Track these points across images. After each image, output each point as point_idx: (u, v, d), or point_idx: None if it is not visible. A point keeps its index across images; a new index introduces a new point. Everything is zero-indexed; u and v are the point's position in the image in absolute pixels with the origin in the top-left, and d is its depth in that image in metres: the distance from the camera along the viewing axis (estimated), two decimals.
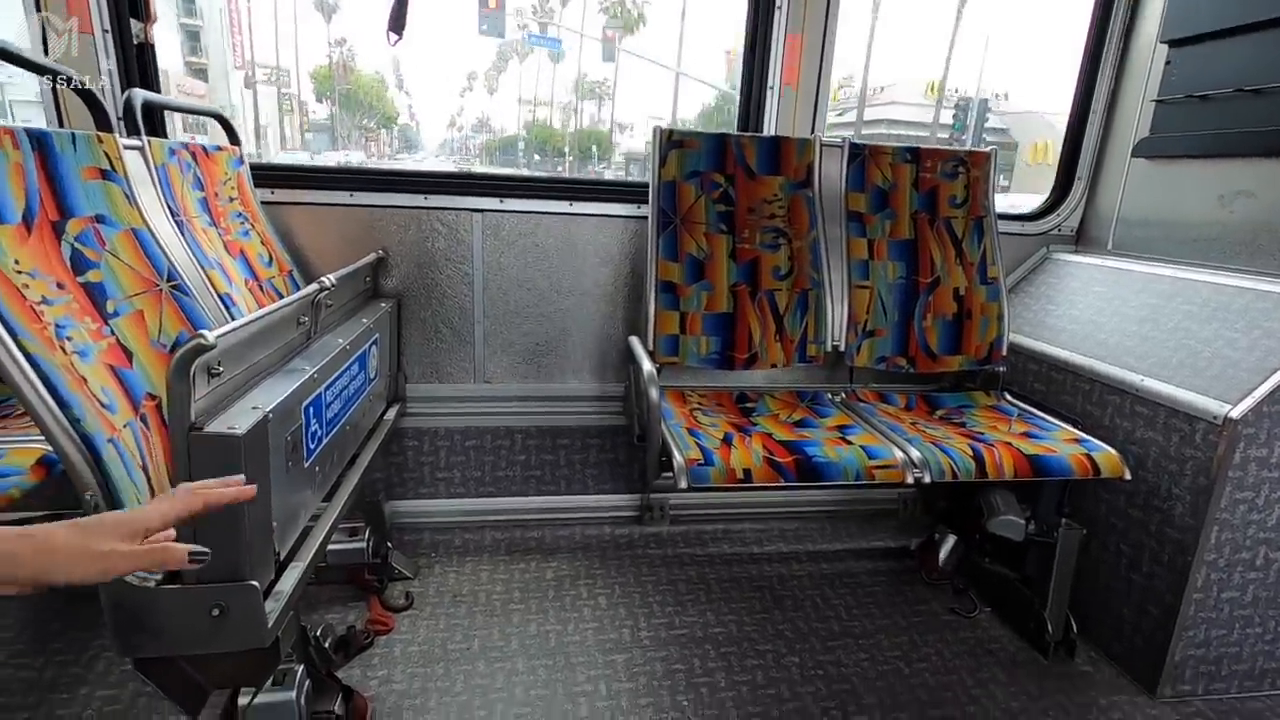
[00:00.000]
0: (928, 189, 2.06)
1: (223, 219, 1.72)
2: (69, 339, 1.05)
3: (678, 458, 1.47)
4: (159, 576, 1.00)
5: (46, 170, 1.14)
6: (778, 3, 2.04)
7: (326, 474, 1.43)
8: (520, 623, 1.79)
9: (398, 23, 1.82)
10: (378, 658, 1.64)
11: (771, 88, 2.11)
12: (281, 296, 1.84)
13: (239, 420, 0.99)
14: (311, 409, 1.28)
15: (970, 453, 1.59)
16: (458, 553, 2.10)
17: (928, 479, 1.54)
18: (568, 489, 2.30)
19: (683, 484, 1.44)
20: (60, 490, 1.38)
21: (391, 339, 2.01)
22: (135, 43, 1.85)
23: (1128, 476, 1.59)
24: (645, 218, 2.03)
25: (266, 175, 1.97)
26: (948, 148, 2.10)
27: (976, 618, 1.92)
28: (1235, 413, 1.45)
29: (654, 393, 1.49)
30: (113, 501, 0.99)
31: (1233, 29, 1.85)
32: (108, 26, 1.81)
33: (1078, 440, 1.68)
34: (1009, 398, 2.02)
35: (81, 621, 1.69)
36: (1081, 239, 2.38)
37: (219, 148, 1.77)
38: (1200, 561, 1.54)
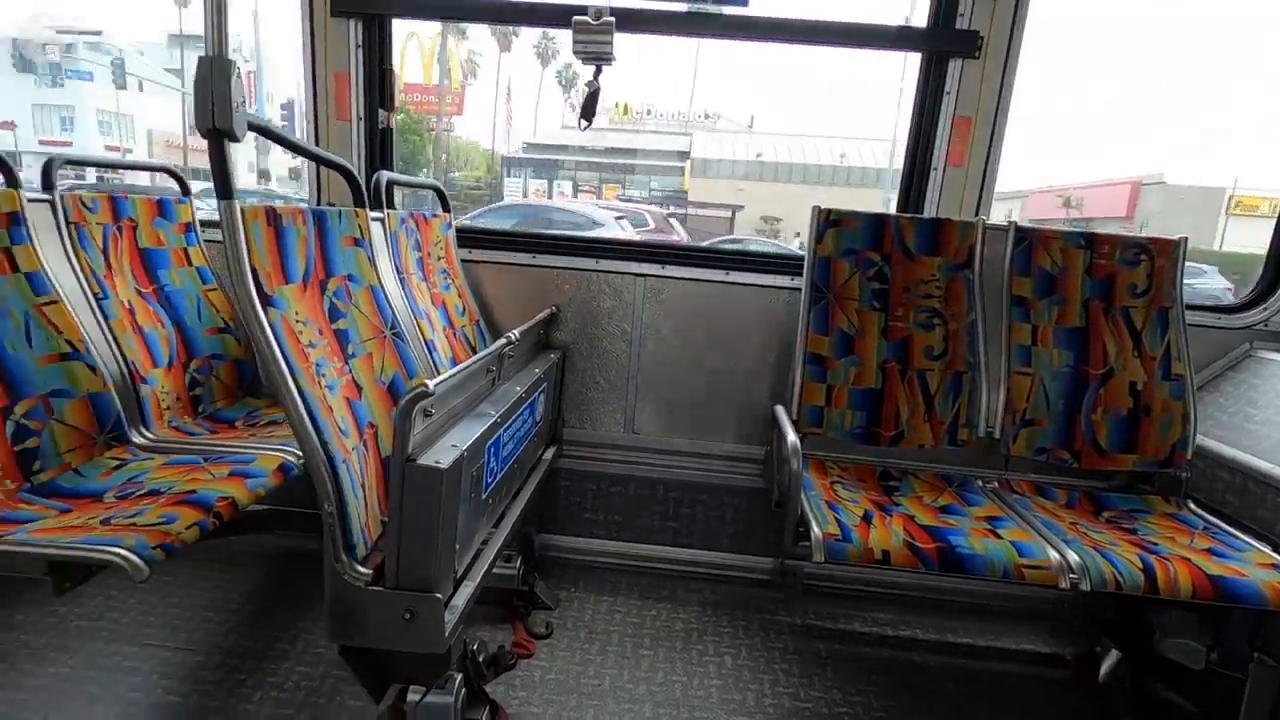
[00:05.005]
0: (1103, 276, 1.97)
1: (432, 274, 2.03)
2: (323, 375, 1.32)
3: (815, 530, 1.51)
4: (369, 575, 1.21)
5: (320, 240, 1.44)
6: (947, 87, 2.08)
7: (495, 505, 1.62)
8: (649, 669, 1.88)
9: (589, 112, 2.08)
10: (519, 679, 1.79)
11: (935, 169, 2.14)
12: (470, 343, 2.11)
13: (443, 455, 1.19)
14: (492, 448, 1.48)
15: (1139, 564, 1.48)
16: (595, 591, 2.23)
17: (1086, 586, 1.45)
18: (703, 544, 2.37)
19: (819, 558, 1.47)
20: (289, 492, 1.69)
21: (555, 386, 2.23)
22: (380, 128, 2.25)
23: None
24: (798, 290, 2.11)
25: (466, 236, 2.29)
26: (1127, 234, 1.99)
27: None
28: None
29: (796, 463, 1.54)
30: (342, 511, 1.22)
31: None
32: (361, 115, 2.22)
33: (1275, 565, 1.50)
34: (1193, 507, 1.84)
35: (289, 602, 2.01)
36: None
37: (435, 215, 2.10)
38: None
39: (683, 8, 2.08)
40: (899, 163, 2.66)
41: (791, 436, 1.59)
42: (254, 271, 1.17)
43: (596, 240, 2.51)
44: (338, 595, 1.20)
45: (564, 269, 2.29)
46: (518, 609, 2.04)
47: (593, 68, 2.02)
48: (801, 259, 2.10)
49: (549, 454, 2.17)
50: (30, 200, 1.68)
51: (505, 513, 1.71)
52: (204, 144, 1.11)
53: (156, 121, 29.09)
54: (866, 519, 1.62)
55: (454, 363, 1.94)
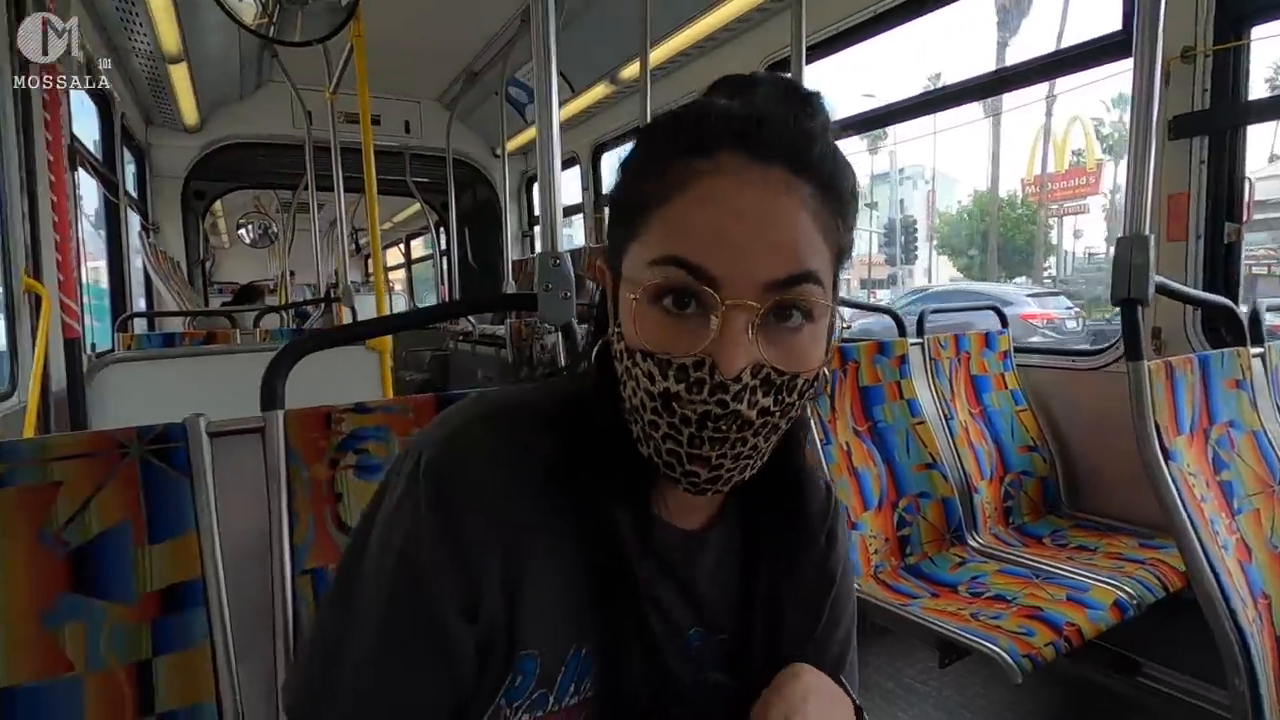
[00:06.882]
0: None
1: None
2: (1216, 532, 1.25)
3: None
4: None
5: (1204, 385, 1.39)
6: None
7: None
8: None
9: None
10: None
11: None
12: None
13: None
14: None
15: None
16: None
17: None
18: None
19: None
20: (1119, 635, 1.65)
21: None
22: (1225, 244, 2.04)
23: None
24: None
25: None
26: None
27: None
28: None
29: None
30: (1254, 692, 1.11)
31: None
32: (1200, 233, 2.06)
33: None
34: None
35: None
36: None
37: None
38: None
39: None
40: None
41: None
42: (1157, 426, 1.23)
43: None
44: None
45: None
46: None
47: None
48: None
49: None
50: (910, 344, 2.24)
51: None
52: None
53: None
54: None
55: None
